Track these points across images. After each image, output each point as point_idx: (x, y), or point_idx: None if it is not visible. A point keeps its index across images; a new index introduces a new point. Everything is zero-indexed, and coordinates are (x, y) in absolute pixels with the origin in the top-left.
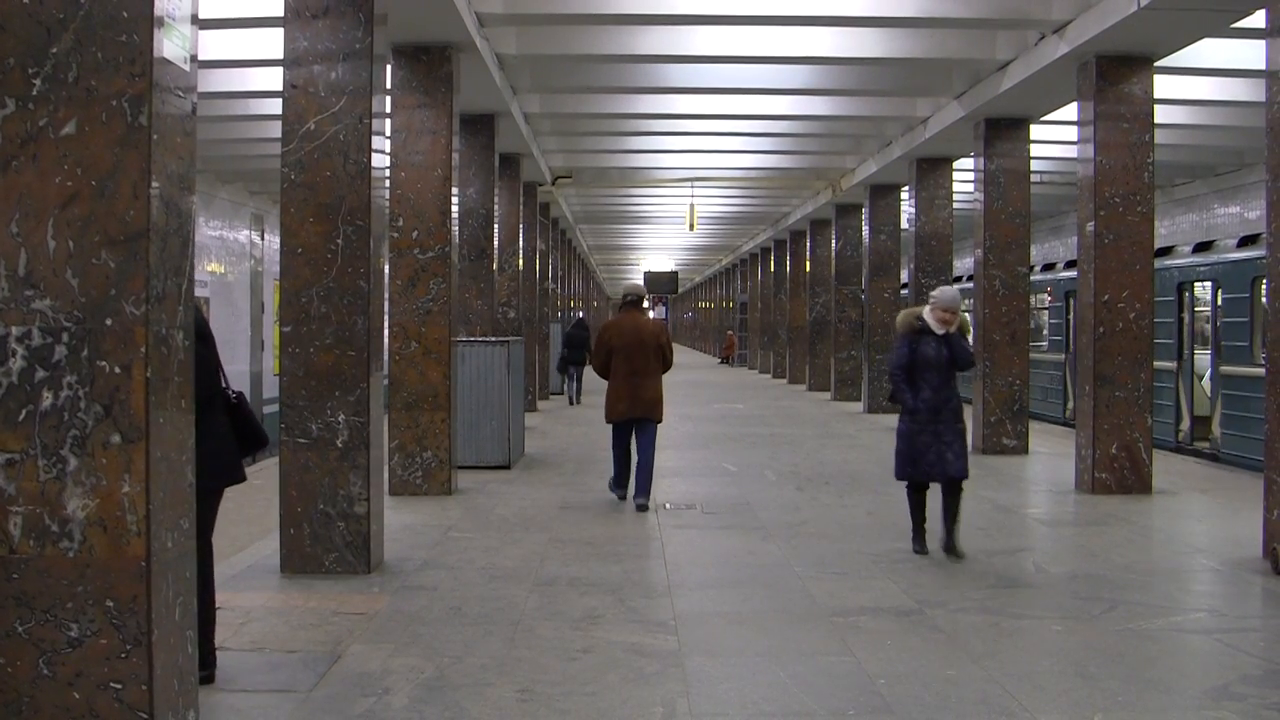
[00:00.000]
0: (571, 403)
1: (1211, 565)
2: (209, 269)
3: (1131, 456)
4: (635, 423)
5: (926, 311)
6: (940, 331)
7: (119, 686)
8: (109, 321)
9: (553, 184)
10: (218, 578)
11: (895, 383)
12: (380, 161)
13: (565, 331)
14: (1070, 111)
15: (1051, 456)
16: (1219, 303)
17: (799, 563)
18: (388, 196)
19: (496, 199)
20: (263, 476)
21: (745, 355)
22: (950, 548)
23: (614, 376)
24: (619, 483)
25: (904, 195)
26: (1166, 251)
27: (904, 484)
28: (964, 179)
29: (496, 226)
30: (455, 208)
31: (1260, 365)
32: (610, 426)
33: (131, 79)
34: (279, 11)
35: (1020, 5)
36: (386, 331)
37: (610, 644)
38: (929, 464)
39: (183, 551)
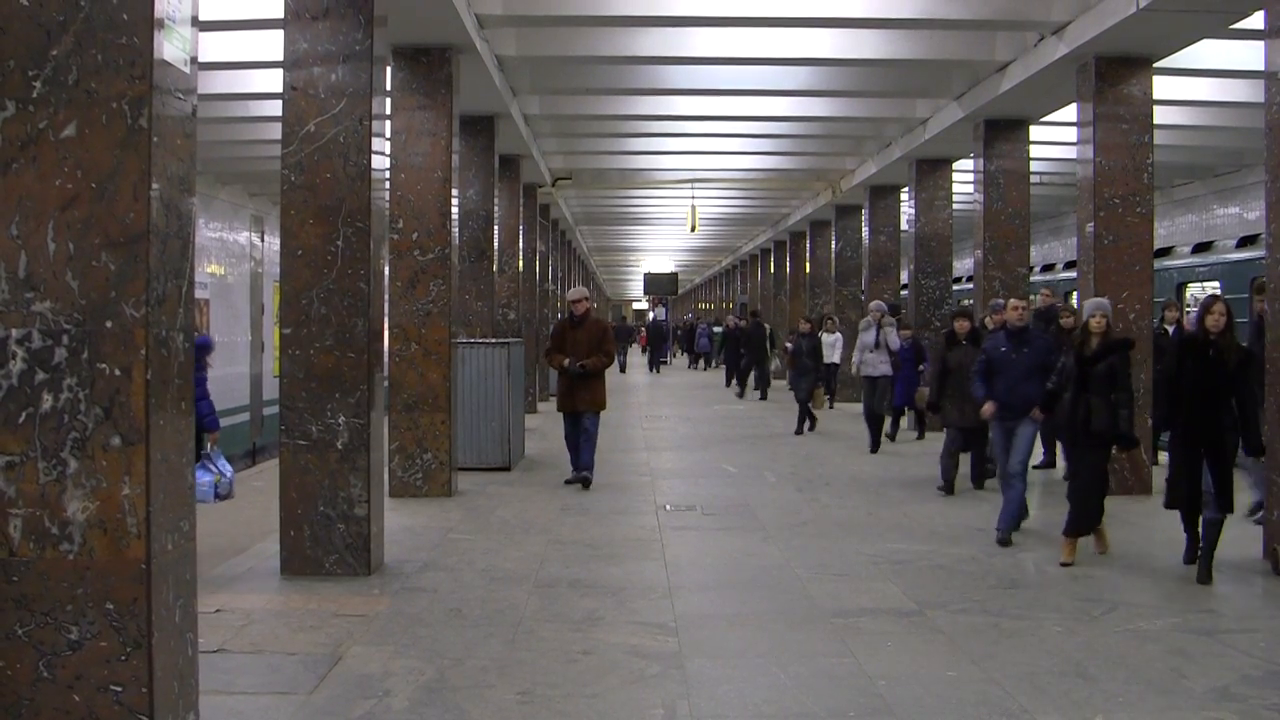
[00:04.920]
0: None
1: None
2: (209, 270)
3: (1131, 457)
4: None
5: None
6: None
7: (119, 689)
8: (109, 324)
9: (553, 185)
10: (219, 579)
11: None
12: (380, 163)
13: None
14: (1070, 112)
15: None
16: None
17: (799, 564)
18: (388, 198)
19: (496, 200)
20: (263, 479)
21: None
22: None
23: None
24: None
25: (904, 196)
26: (1166, 252)
27: None
28: (963, 180)
29: (496, 228)
30: (455, 209)
31: None
32: (604, 414)
33: (132, 81)
34: (279, 13)
35: (1019, 6)
36: (386, 333)
37: (611, 646)
38: None
39: (183, 554)
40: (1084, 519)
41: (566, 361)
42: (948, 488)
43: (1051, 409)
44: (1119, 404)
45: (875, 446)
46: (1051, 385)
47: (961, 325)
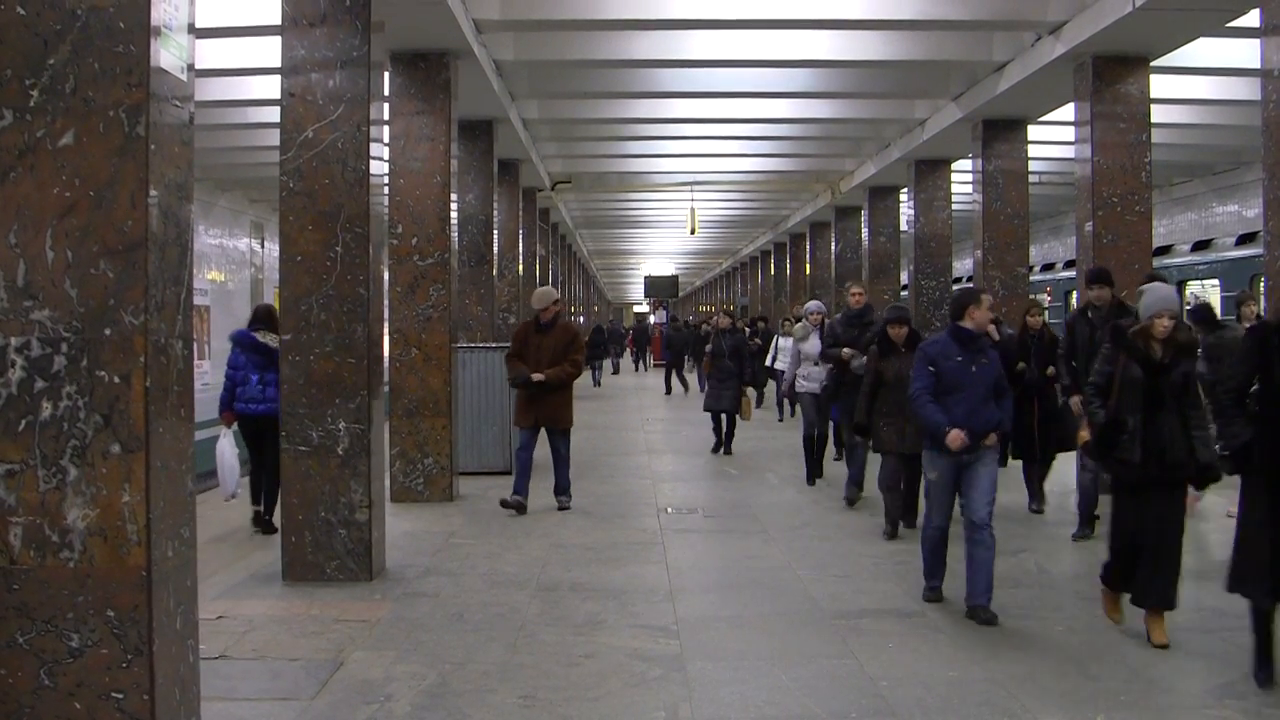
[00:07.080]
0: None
1: (1214, 564)
2: (209, 277)
3: None
4: None
5: None
6: None
7: (120, 696)
8: (108, 331)
9: (552, 189)
10: (219, 586)
11: None
12: (379, 169)
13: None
14: (1067, 112)
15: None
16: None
17: (801, 566)
18: (387, 203)
19: (496, 205)
20: None
21: None
22: None
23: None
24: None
25: (903, 197)
26: (1165, 250)
27: None
28: (962, 180)
29: (496, 232)
30: (454, 214)
31: None
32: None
33: (129, 89)
34: (277, 20)
35: (1016, 6)
36: (386, 338)
37: (612, 649)
38: None
39: (183, 561)
40: (1172, 585)
41: (534, 377)
42: (892, 530)
43: (1115, 443)
44: (1193, 424)
45: (813, 477)
46: (1100, 414)
47: (897, 331)
